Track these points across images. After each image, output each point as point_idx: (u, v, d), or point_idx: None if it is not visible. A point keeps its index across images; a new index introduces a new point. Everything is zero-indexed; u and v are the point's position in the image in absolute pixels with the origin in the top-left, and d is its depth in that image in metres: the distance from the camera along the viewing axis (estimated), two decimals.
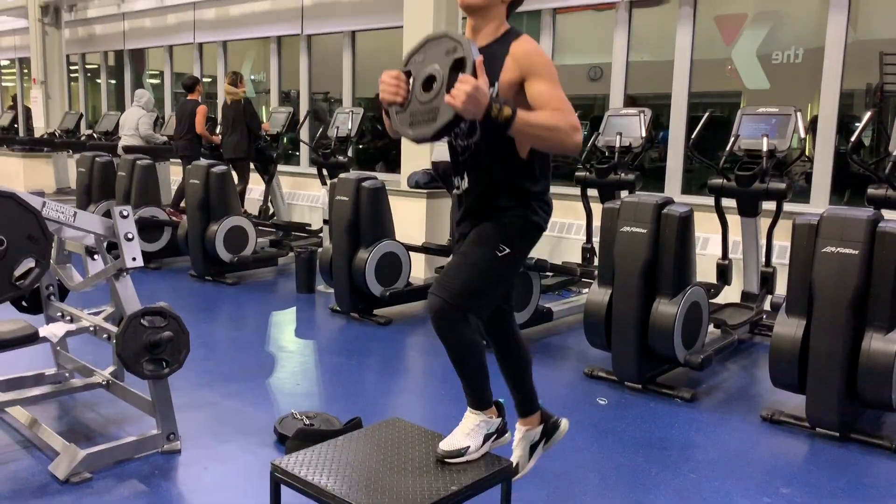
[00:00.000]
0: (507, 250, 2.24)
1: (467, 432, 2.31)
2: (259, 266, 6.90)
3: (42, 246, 2.57)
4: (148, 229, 6.73)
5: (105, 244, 3.09)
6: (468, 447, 2.29)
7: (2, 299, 2.56)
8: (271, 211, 8.41)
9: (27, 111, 13.52)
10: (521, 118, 2.03)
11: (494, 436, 2.39)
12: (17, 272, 2.53)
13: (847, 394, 3.28)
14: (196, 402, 3.59)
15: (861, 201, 4.36)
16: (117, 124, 9.87)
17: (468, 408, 2.36)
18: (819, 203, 5.55)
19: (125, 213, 2.92)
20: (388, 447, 2.34)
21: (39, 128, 12.51)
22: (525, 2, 2.38)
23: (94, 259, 3.23)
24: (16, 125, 12.91)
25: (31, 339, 3.06)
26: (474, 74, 1.95)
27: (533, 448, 2.51)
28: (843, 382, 3.26)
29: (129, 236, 2.90)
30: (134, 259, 2.91)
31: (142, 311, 2.88)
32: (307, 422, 3.25)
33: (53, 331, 3.15)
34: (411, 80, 2.11)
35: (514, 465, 2.44)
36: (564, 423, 2.60)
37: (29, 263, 2.55)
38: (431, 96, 2.04)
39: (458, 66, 1.99)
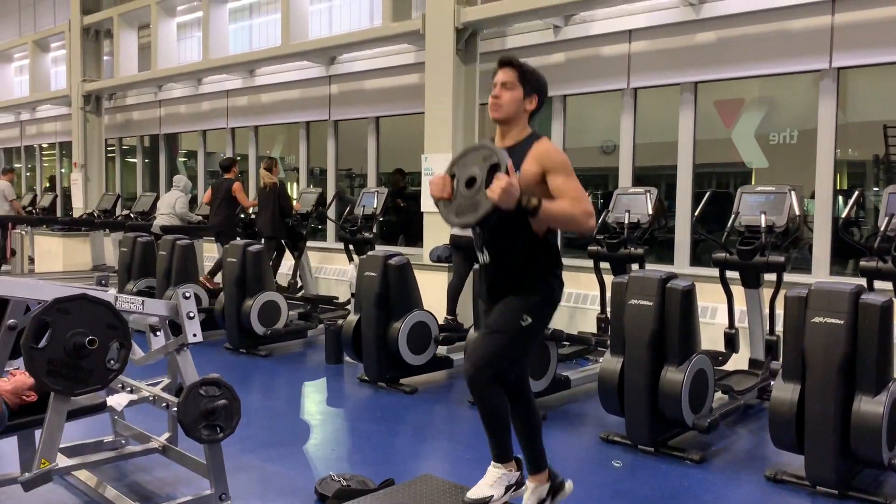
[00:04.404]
0: (530, 320, 2.66)
1: (491, 483, 2.66)
2: (290, 338, 7.26)
3: (121, 330, 2.95)
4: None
5: (167, 322, 3.48)
6: (492, 496, 2.64)
7: (105, 384, 2.93)
8: (300, 285, 8.83)
9: (64, 192, 14.23)
10: (545, 207, 2.51)
11: (514, 487, 2.74)
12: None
13: (842, 453, 3.54)
14: (241, 466, 3.90)
15: None
16: (153, 205, 10.45)
17: (492, 462, 2.70)
18: (820, 273, 5.86)
19: (188, 295, 3.31)
20: (423, 499, 2.65)
21: (79, 208, 13.17)
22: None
23: (156, 335, 3.61)
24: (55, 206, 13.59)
25: (100, 408, 3.41)
26: (507, 174, 2.45)
27: (541, 503, 2.85)
28: (837, 442, 3.52)
29: (191, 315, 3.28)
30: (195, 335, 3.28)
31: (200, 382, 3.24)
32: (344, 483, 3.55)
33: (118, 401, 3.51)
34: (455, 181, 2.66)
35: None
36: (569, 484, 2.98)
37: (115, 348, 2.93)
38: (473, 192, 2.58)
39: (493, 168, 2.54)
